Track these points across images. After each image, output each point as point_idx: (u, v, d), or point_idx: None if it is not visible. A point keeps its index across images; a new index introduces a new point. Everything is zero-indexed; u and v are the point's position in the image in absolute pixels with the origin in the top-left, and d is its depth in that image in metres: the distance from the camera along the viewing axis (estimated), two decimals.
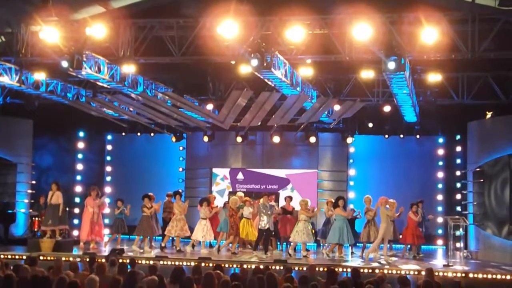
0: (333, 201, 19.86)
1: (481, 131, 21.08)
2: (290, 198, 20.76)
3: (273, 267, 15.05)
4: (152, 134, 25.17)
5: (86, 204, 20.23)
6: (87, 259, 14.15)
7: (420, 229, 19.85)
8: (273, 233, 19.69)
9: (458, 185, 23.08)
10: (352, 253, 19.70)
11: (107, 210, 24.11)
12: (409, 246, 19.99)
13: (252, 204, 19.88)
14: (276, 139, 23.97)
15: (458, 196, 22.87)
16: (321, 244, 20.54)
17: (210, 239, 20.08)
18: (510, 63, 17.85)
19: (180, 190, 21.60)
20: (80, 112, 21.83)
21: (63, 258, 15.35)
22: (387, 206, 19.12)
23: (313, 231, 20.30)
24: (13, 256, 17.67)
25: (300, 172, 24.68)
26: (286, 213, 20.27)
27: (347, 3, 15.65)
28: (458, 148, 23.46)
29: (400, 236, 20.12)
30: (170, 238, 20.22)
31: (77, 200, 24.23)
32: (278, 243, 20.62)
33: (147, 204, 19.97)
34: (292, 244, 19.28)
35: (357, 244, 20.23)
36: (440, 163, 23.95)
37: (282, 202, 21.63)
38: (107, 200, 21.73)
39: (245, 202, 19.93)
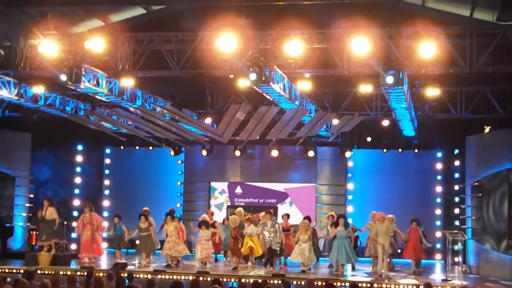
0: (334, 215, 19.82)
1: (479, 145, 21.08)
2: (287, 216, 20.59)
3: (272, 281, 15.00)
4: (150, 148, 25.15)
5: None
6: (85, 273, 14.09)
7: (421, 244, 19.68)
8: (277, 251, 19.41)
9: (457, 199, 23.06)
10: (353, 269, 19.52)
11: (105, 224, 24.12)
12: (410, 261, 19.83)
13: (252, 222, 19.63)
14: (275, 153, 23.96)
15: (457, 211, 22.85)
16: (320, 259, 20.35)
17: (209, 260, 19.73)
18: (508, 77, 17.86)
19: (172, 210, 21.22)
20: (79, 125, 21.83)
21: (61, 272, 15.28)
22: (386, 221, 19.00)
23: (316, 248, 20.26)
24: (11, 270, 17.61)
25: (298, 186, 24.64)
26: (284, 231, 20.13)
27: (345, 17, 15.69)
28: (457, 162, 23.46)
29: (399, 251, 20.01)
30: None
31: (75, 213, 24.14)
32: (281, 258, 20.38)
33: (142, 224, 19.79)
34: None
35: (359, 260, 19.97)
36: (439, 177, 23.92)
37: (280, 217, 21.41)
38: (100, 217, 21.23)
39: (246, 221, 19.84)
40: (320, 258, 20.40)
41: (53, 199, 20.08)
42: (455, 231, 19.10)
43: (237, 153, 24.28)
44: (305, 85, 19.02)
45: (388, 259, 19.39)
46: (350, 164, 24.56)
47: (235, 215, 20.30)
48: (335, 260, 18.71)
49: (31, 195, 23.39)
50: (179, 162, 25.46)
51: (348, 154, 23.86)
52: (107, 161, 26.09)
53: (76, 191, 25.32)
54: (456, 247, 19.04)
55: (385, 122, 21.56)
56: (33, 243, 21.15)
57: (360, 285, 15.22)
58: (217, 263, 20.52)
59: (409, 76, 16.72)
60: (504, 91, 20.28)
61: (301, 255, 18.58)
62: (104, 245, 23.87)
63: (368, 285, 16.30)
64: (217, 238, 20.09)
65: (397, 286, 16.12)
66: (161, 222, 20.07)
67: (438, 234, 22.93)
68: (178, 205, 25.07)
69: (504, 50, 15.64)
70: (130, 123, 22.01)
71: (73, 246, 21.99)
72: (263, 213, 19.84)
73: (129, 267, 18.76)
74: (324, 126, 21.43)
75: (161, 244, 19.99)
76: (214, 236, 19.84)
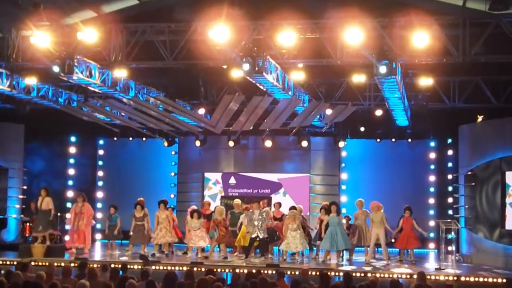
0: (328, 204, 19.89)
1: (472, 134, 21.13)
2: (279, 205, 20.71)
3: (266, 272, 15.03)
4: (144, 139, 25.12)
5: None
6: (78, 264, 14.10)
7: (415, 232, 19.69)
8: (267, 239, 19.49)
9: (450, 188, 23.10)
10: (348, 259, 19.52)
11: (99, 215, 24.15)
12: (406, 250, 19.84)
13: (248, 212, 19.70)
14: (268, 143, 23.95)
15: (450, 200, 22.90)
16: (314, 248, 20.38)
17: (204, 245, 19.89)
18: (501, 67, 17.93)
19: (165, 200, 21.23)
20: (72, 117, 21.77)
21: (55, 264, 15.27)
22: (380, 210, 19.06)
23: (307, 236, 20.30)
24: (4, 262, 17.60)
25: (292, 176, 24.65)
26: (276, 220, 20.18)
27: (338, 7, 15.71)
28: (450, 152, 23.49)
29: (393, 240, 20.09)
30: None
31: (69, 205, 24.03)
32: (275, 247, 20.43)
33: (137, 213, 19.85)
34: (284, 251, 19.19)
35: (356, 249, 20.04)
36: (432, 166, 23.96)
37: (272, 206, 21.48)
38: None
39: (244, 210, 19.89)
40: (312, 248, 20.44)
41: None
42: (449, 220, 19.16)
43: (231, 143, 24.27)
44: (298, 75, 19.01)
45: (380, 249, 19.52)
46: (344, 154, 24.58)
47: (222, 206, 20.54)
48: (328, 247, 18.79)
49: (25, 187, 23.32)
50: (173, 153, 25.44)
51: (341, 144, 23.87)
52: (101, 152, 26.04)
53: (70, 182, 25.27)
54: (449, 236, 19.10)
55: (379, 112, 21.58)
56: (27, 235, 21.13)
57: (354, 274, 15.25)
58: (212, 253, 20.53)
59: (402, 66, 16.73)
60: (497, 80, 20.34)
61: (292, 243, 18.66)
62: (98, 236, 24.03)
63: (362, 274, 16.37)
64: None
65: (391, 276, 16.15)
66: (154, 212, 20.08)
67: (432, 223, 22.98)
68: (172, 196, 25.06)
69: (497, 40, 15.67)
70: (123, 114, 21.96)
71: (67, 238, 21.91)
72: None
73: (123, 258, 18.82)
74: (318, 116, 21.42)
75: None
76: (211, 225, 19.89)
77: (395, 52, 15.24)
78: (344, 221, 19.93)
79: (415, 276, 14.54)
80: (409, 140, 23.72)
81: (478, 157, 20.53)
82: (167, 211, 19.84)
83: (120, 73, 18.12)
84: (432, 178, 23.88)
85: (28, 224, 21.31)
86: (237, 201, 21.06)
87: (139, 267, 16.28)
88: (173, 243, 20.27)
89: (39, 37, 15.78)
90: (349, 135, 23.98)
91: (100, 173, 25.90)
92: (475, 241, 20.48)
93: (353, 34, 14.61)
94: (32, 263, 16.31)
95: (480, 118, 21.27)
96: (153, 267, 16.36)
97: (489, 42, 15.68)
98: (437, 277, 16.27)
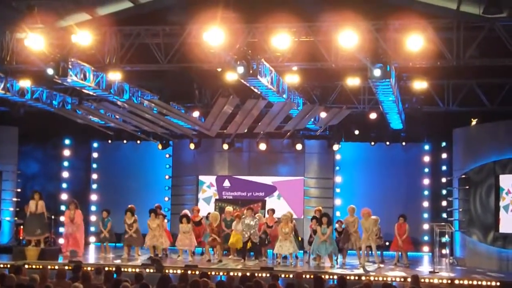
0: (321, 209, 19.88)
1: (466, 138, 21.16)
2: (273, 211, 20.54)
3: (260, 275, 15.02)
4: (138, 142, 25.09)
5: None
6: (71, 267, 14.07)
7: (408, 237, 19.71)
8: (257, 243, 19.65)
9: (444, 191, 23.13)
10: (342, 263, 19.54)
11: (93, 218, 24.13)
12: (400, 253, 19.87)
13: (240, 219, 19.73)
14: (263, 146, 23.95)
15: (444, 203, 22.92)
16: (307, 252, 20.42)
17: (191, 248, 19.97)
18: (495, 70, 17.95)
19: (158, 206, 21.28)
20: (66, 119, 21.76)
21: (49, 266, 15.24)
22: (370, 218, 19.06)
23: (299, 239, 20.33)
24: None
25: (286, 179, 24.64)
26: (270, 227, 20.16)
27: (333, 10, 15.71)
28: (444, 155, 23.52)
29: (387, 243, 20.15)
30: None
31: (62, 208, 24.01)
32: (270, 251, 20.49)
33: (128, 219, 19.91)
34: (278, 255, 19.30)
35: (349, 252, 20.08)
36: (426, 170, 23.97)
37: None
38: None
39: (236, 218, 19.94)
40: (302, 251, 20.50)
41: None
42: (443, 224, 19.21)
43: (225, 146, 24.25)
44: (292, 78, 19.01)
45: (379, 252, 19.55)
46: (338, 157, 24.57)
47: (216, 212, 20.57)
48: (316, 252, 18.90)
49: (19, 190, 23.26)
50: (167, 156, 25.41)
51: (336, 147, 23.86)
52: (95, 155, 25.99)
53: (64, 185, 25.21)
54: (443, 239, 19.11)
55: (373, 115, 21.62)
56: (21, 238, 21.07)
57: (348, 278, 15.27)
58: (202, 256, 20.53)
59: (396, 69, 16.76)
60: (491, 84, 20.39)
61: (284, 246, 18.78)
62: (92, 239, 23.99)
63: (356, 277, 16.39)
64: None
65: (385, 279, 16.18)
66: (147, 217, 20.08)
67: (426, 226, 23.01)
68: (166, 198, 25.04)
69: (491, 43, 15.72)
70: (117, 117, 21.95)
71: (61, 241, 21.90)
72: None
73: (116, 261, 18.81)
74: (312, 119, 21.45)
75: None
76: (199, 231, 20.05)
77: (390, 55, 15.25)
78: (337, 225, 19.99)
79: (409, 279, 14.58)
80: (403, 143, 23.74)
81: (472, 160, 20.57)
82: (158, 220, 19.86)
83: (115, 76, 18.11)
84: (426, 181, 23.89)
85: (22, 227, 21.25)
86: (229, 208, 21.16)
87: (134, 270, 16.27)
88: (166, 247, 20.30)
89: (33, 40, 15.76)
90: (343, 138, 23.97)
91: (94, 176, 25.85)
92: (469, 244, 20.51)
93: (348, 37, 14.63)
94: (26, 266, 16.33)
95: (474, 121, 21.33)
96: (147, 270, 16.34)
97: (483, 46, 15.72)
98: (431, 280, 16.28)
